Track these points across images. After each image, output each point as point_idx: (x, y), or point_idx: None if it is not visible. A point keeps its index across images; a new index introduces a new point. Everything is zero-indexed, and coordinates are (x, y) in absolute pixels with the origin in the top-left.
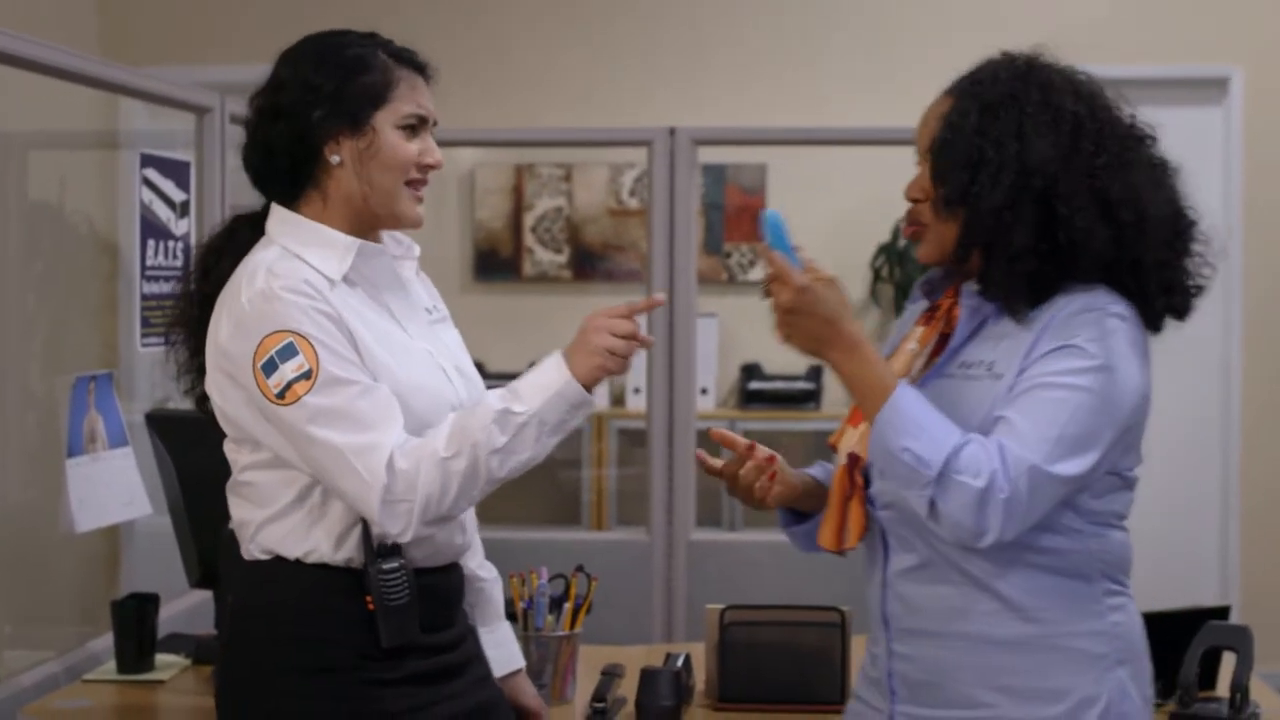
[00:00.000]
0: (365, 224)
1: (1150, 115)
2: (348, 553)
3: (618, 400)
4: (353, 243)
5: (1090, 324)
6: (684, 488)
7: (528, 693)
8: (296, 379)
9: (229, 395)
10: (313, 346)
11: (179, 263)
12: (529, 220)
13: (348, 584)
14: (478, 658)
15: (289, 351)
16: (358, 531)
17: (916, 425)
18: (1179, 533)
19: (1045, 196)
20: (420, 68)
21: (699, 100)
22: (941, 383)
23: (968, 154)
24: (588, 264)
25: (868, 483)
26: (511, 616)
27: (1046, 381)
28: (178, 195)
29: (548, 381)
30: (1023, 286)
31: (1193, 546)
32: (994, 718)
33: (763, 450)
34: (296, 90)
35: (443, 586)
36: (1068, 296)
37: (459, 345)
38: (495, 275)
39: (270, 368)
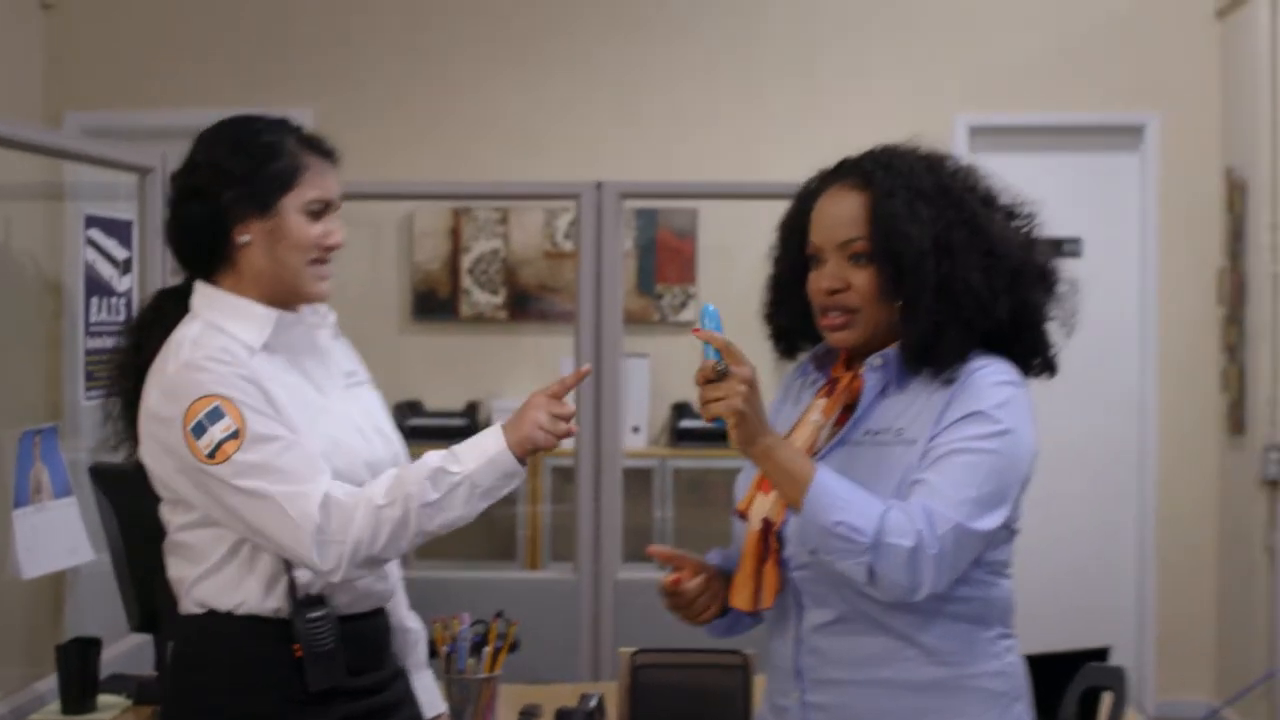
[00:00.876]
0: (279, 297)
1: (1071, 161)
2: (276, 602)
3: None
4: (271, 313)
5: (993, 392)
6: (610, 526)
7: None
8: (226, 439)
9: (162, 461)
10: (238, 408)
11: (121, 318)
12: (466, 262)
13: (276, 633)
14: (407, 699)
15: (216, 414)
16: (284, 582)
17: (844, 500)
18: (1096, 570)
19: (964, 273)
20: (327, 153)
21: (633, 151)
22: (851, 450)
23: (914, 242)
24: (523, 305)
25: (781, 545)
26: (434, 655)
27: (960, 447)
28: (120, 253)
29: (485, 447)
30: (955, 355)
31: (1109, 583)
32: None
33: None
34: (210, 173)
35: (368, 632)
36: (970, 364)
37: (378, 406)
38: (433, 315)
39: (200, 430)
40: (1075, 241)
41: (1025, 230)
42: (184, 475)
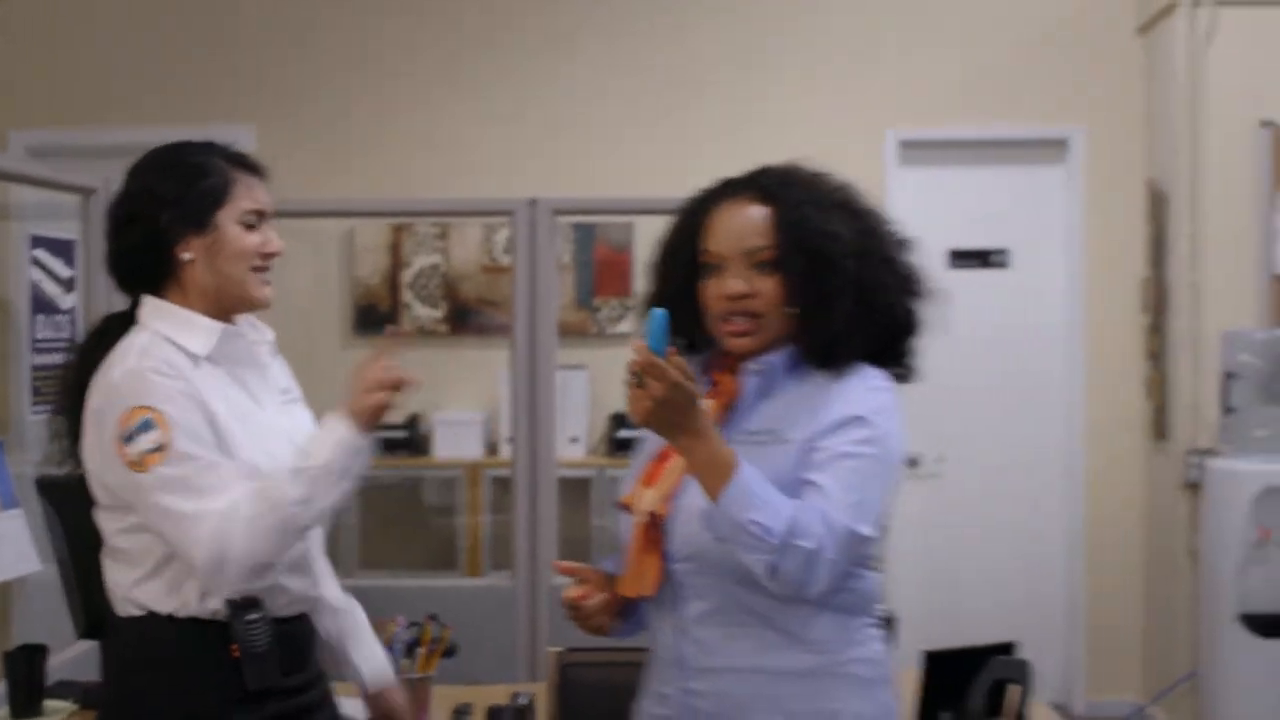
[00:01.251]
0: (222, 309)
1: (999, 174)
2: (213, 605)
3: (491, 449)
4: (216, 325)
5: (871, 398)
6: (546, 534)
7: (398, 703)
8: (150, 450)
9: (96, 459)
10: (168, 423)
11: (66, 335)
12: (406, 277)
13: (214, 635)
14: (328, 700)
15: (147, 425)
16: None
17: (760, 499)
18: (1025, 572)
19: (876, 276)
20: (254, 168)
21: (568, 166)
22: (733, 449)
23: (836, 246)
24: (463, 318)
25: (664, 538)
26: None
27: (845, 451)
28: (65, 272)
29: (329, 434)
30: (857, 356)
31: (1038, 585)
32: None
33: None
34: (146, 199)
35: (298, 634)
36: (850, 370)
37: (310, 424)
38: (375, 329)
39: (129, 438)
40: (1003, 253)
41: (900, 241)
42: (116, 477)
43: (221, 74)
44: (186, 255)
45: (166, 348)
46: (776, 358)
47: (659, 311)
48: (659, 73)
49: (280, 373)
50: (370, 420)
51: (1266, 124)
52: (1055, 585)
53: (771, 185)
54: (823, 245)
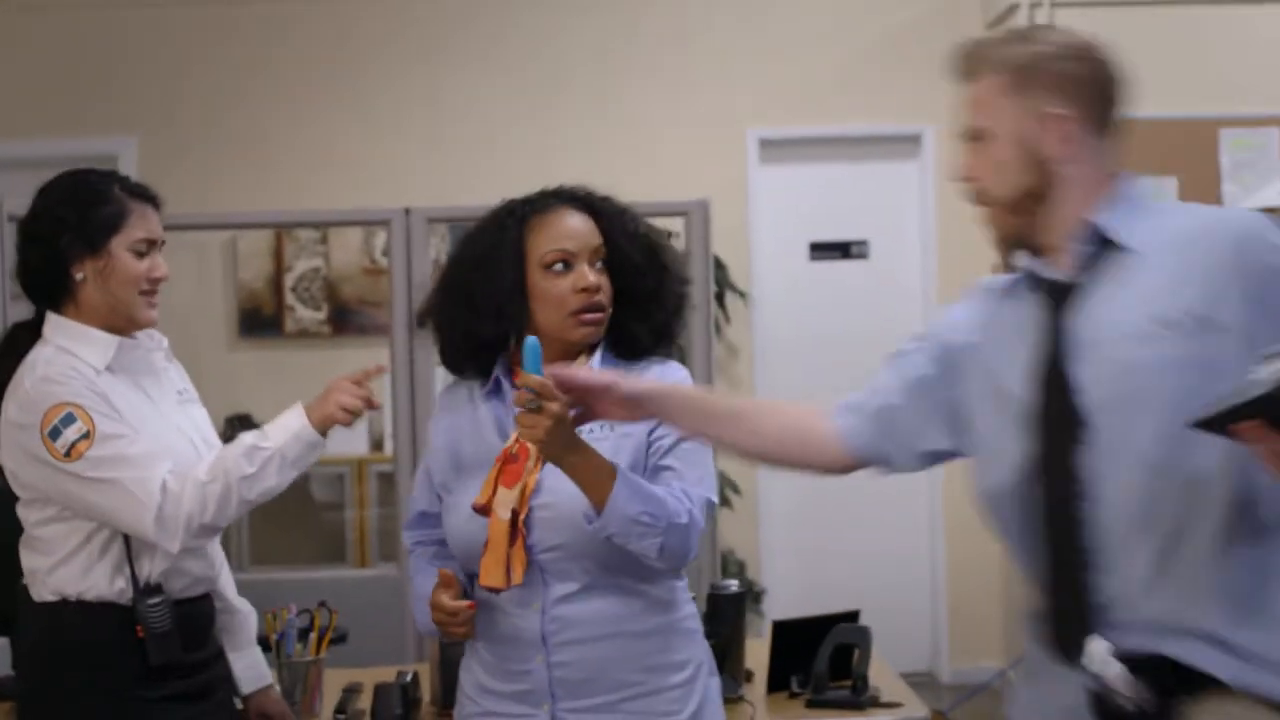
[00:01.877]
0: (115, 325)
1: (856, 169)
2: (119, 586)
3: (376, 445)
4: (113, 339)
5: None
6: None
7: (275, 705)
8: (78, 439)
9: (21, 462)
10: (88, 412)
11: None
12: (289, 280)
13: (120, 616)
14: (226, 678)
15: (69, 419)
16: (127, 571)
17: (641, 495)
18: (893, 547)
19: (671, 285)
20: (150, 198)
21: (441, 173)
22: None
23: (645, 257)
24: (345, 319)
25: (527, 532)
26: (265, 647)
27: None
28: None
29: (289, 424)
30: (645, 353)
31: (904, 560)
32: (643, 692)
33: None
34: (47, 220)
35: (197, 615)
36: (649, 365)
37: (205, 420)
38: (259, 332)
39: (55, 434)
40: (863, 244)
41: (676, 258)
42: (42, 475)
43: (104, 87)
44: (80, 275)
45: (69, 358)
46: (597, 358)
47: (533, 340)
48: (526, 81)
49: (177, 376)
50: (329, 423)
51: None
52: (919, 560)
53: (591, 199)
54: (635, 253)
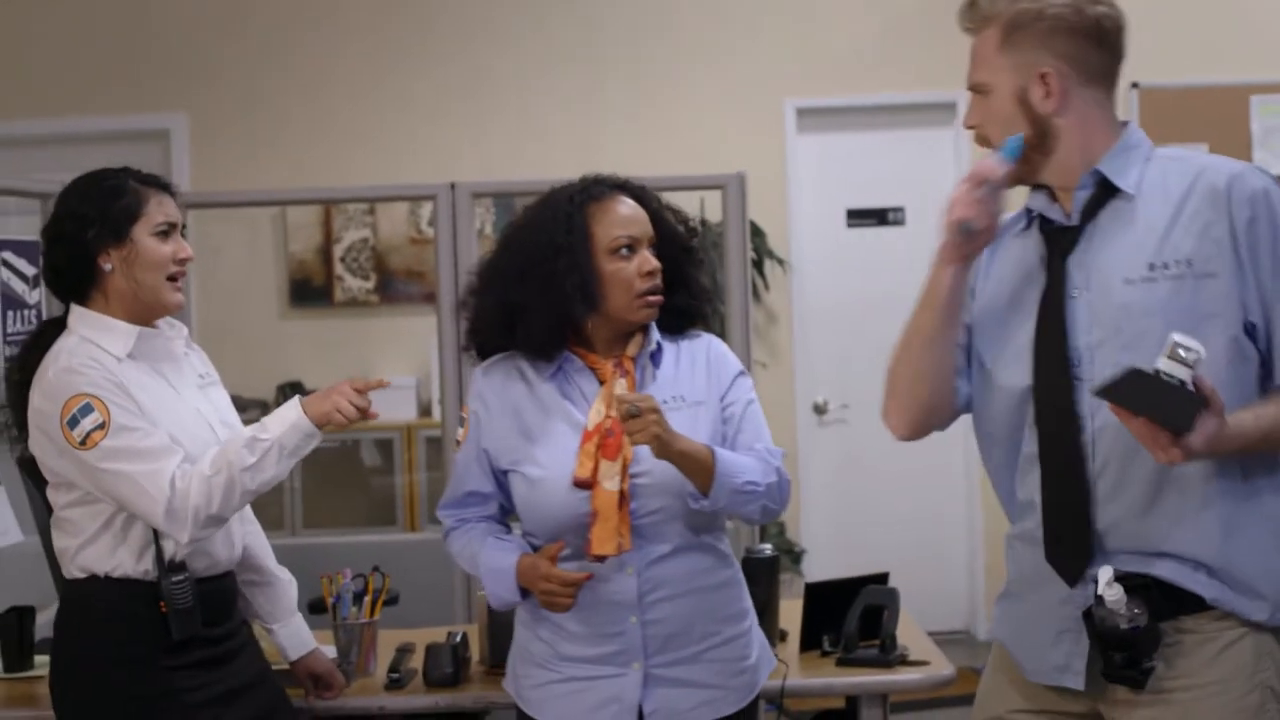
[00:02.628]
0: (141, 314)
1: (892, 137)
2: (145, 566)
3: (424, 411)
4: (133, 329)
5: (733, 357)
6: None
7: (321, 664)
8: (94, 429)
9: (46, 449)
10: (105, 404)
11: (33, 327)
12: (338, 251)
13: (146, 593)
14: (250, 644)
15: (87, 409)
16: (152, 550)
17: (739, 465)
18: (930, 509)
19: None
20: (164, 186)
21: (486, 148)
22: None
23: (685, 243)
24: (392, 289)
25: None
26: (324, 609)
27: (747, 400)
28: (29, 270)
29: (286, 416)
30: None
31: (941, 520)
32: (720, 641)
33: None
34: (70, 220)
35: (218, 591)
36: (702, 337)
37: (226, 403)
38: (309, 302)
39: (73, 423)
40: (899, 210)
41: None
42: (63, 459)
43: (155, 64)
44: (107, 266)
45: (91, 348)
46: (649, 345)
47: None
48: (566, 58)
49: (198, 361)
50: (323, 420)
51: (1135, 86)
52: (955, 520)
53: (636, 190)
54: (679, 240)
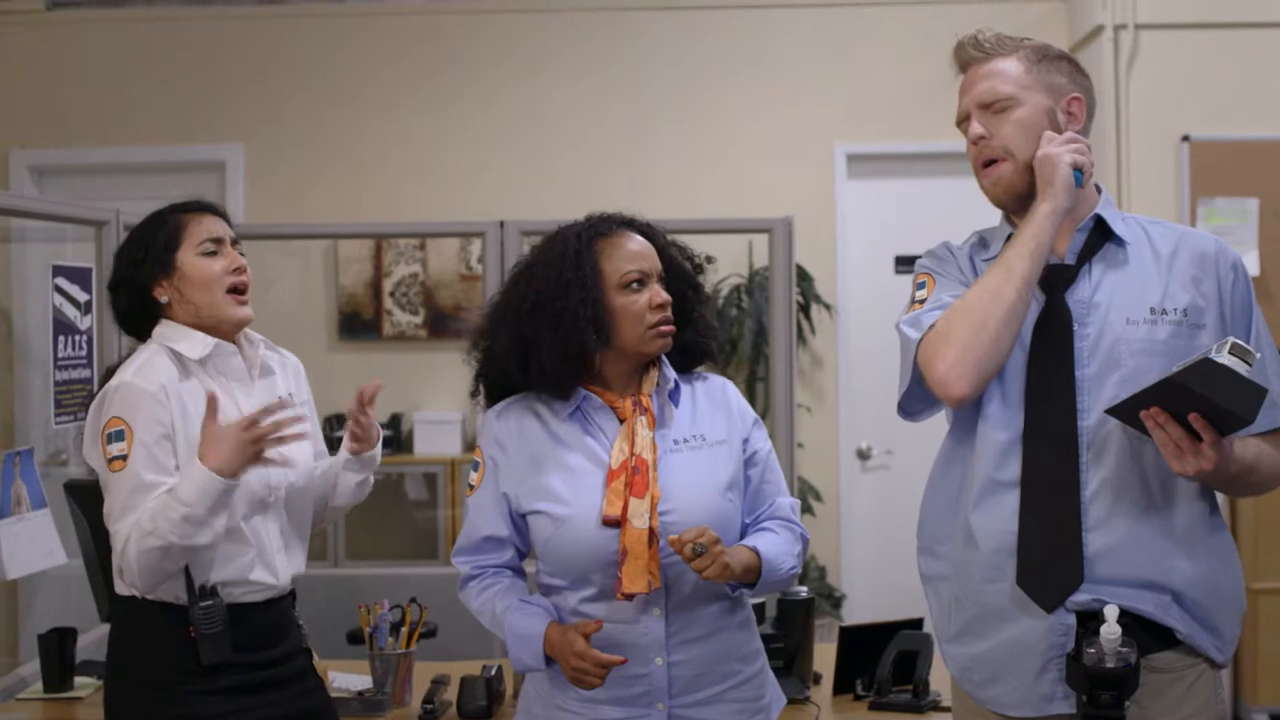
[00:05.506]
0: (210, 334)
1: (941, 184)
2: (176, 590)
3: (469, 446)
4: (210, 340)
5: (743, 399)
6: None
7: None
8: (116, 457)
9: (92, 454)
10: (134, 441)
11: (84, 353)
12: (388, 285)
13: (177, 616)
14: (305, 674)
15: (120, 435)
16: (184, 576)
17: (779, 557)
18: None
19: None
20: (204, 207)
21: (536, 187)
22: (676, 456)
23: (692, 281)
24: (441, 324)
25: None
26: (359, 640)
27: (768, 448)
28: (82, 296)
29: (194, 480)
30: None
31: None
32: (741, 680)
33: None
34: (123, 264)
35: (260, 618)
36: (714, 378)
37: (309, 427)
38: (358, 335)
39: (108, 439)
40: None
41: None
42: (98, 466)
43: (213, 96)
44: (164, 298)
45: (164, 360)
46: (670, 375)
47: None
48: (616, 100)
49: (282, 381)
50: (234, 465)
51: (1185, 139)
52: None
53: (643, 226)
54: (684, 276)
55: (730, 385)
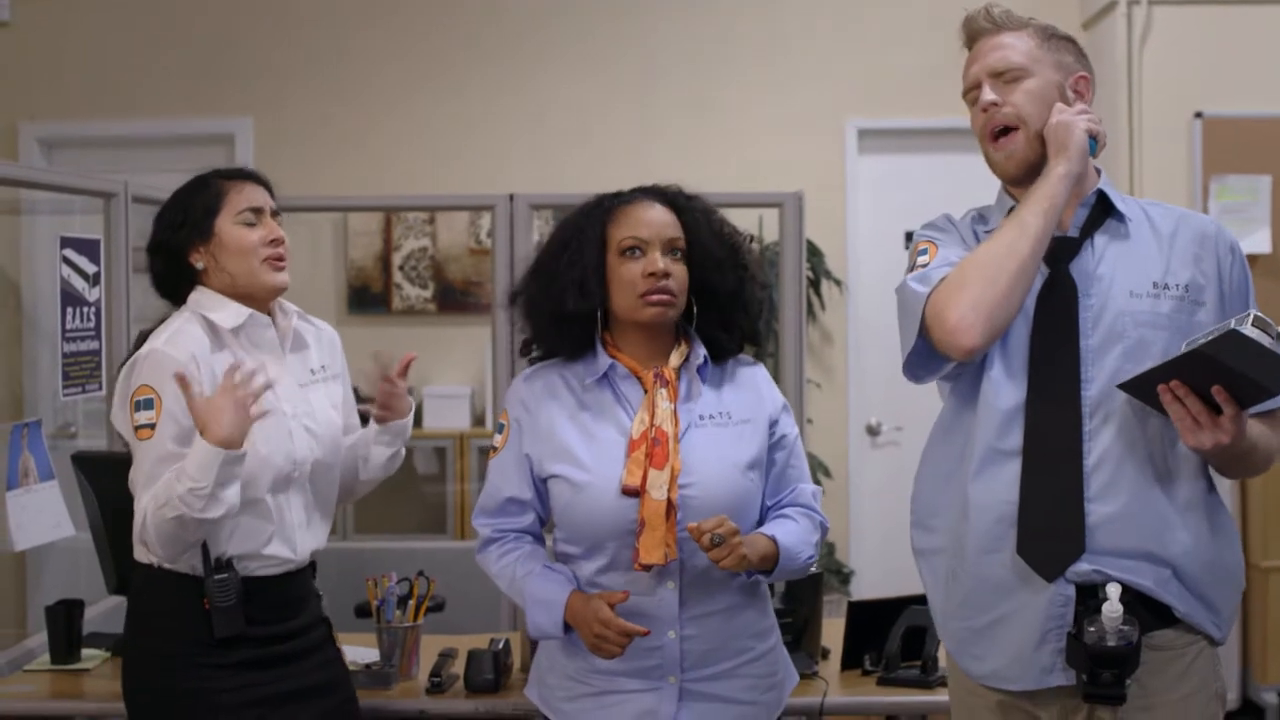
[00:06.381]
0: (245, 303)
1: (952, 160)
2: (193, 561)
3: (478, 420)
4: (245, 310)
5: (774, 386)
6: None
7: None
8: (142, 425)
9: (120, 419)
10: (162, 410)
11: (92, 324)
12: (397, 259)
13: (192, 587)
14: (322, 647)
15: (149, 404)
16: (200, 547)
17: (797, 546)
18: None
19: (750, 287)
20: (247, 175)
21: (543, 159)
22: (700, 431)
23: (723, 253)
24: (450, 298)
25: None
26: (367, 613)
27: (794, 434)
28: (90, 268)
29: (199, 459)
30: (737, 350)
31: None
32: (753, 656)
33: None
34: (162, 227)
35: (275, 592)
36: (747, 361)
37: (325, 404)
38: (367, 309)
39: (136, 406)
40: None
41: (756, 263)
42: (128, 435)
43: (223, 70)
44: (200, 264)
45: (196, 329)
46: (704, 352)
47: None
48: (625, 74)
49: (317, 353)
50: (233, 432)
51: (1198, 115)
52: None
53: (676, 195)
54: (724, 248)
55: (762, 369)
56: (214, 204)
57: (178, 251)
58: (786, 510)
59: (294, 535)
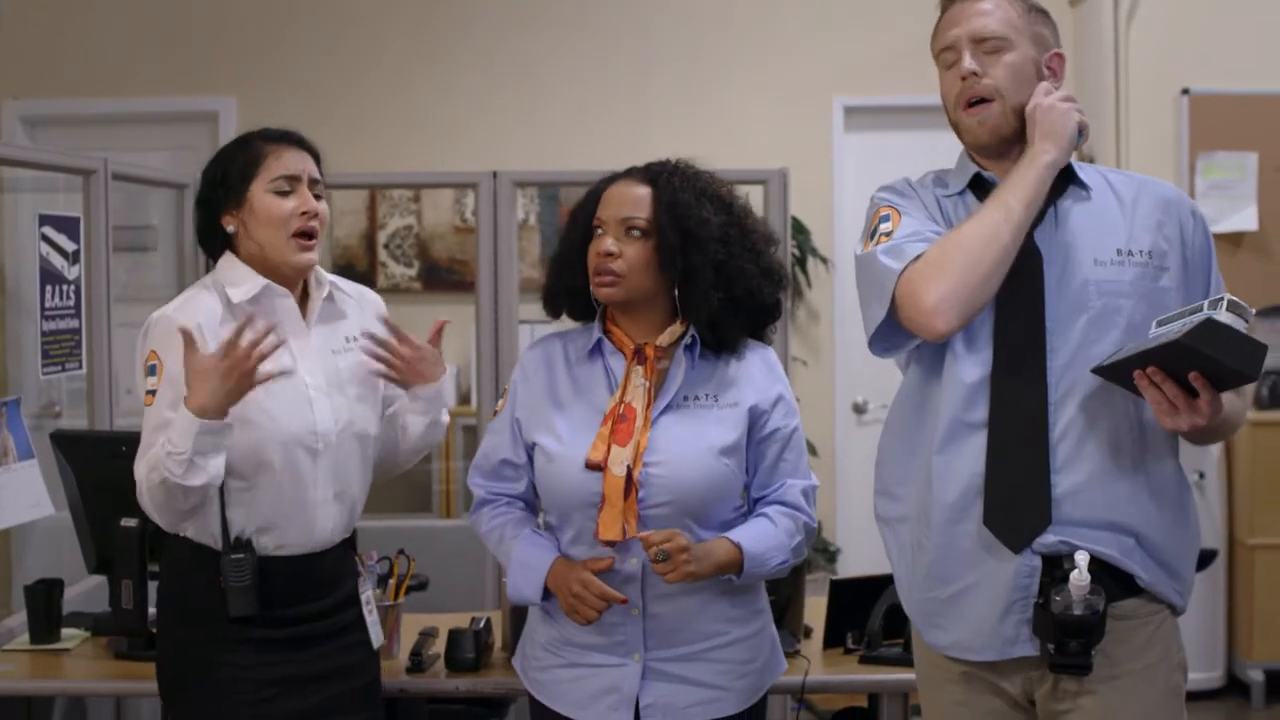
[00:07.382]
0: (272, 274)
1: (939, 137)
2: (212, 535)
3: (464, 399)
4: (261, 281)
5: (779, 374)
6: None
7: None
8: (148, 391)
9: (138, 383)
10: (164, 376)
11: (72, 303)
12: (382, 238)
13: (211, 563)
14: (348, 629)
15: (153, 371)
16: (219, 523)
17: (767, 552)
18: None
19: (739, 261)
20: (288, 138)
21: (531, 137)
22: (677, 412)
23: (703, 227)
24: (436, 276)
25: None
26: None
27: (793, 426)
28: (70, 246)
29: (183, 427)
30: (739, 334)
31: None
32: (725, 642)
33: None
34: (204, 184)
35: (295, 573)
36: (753, 346)
37: (348, 377)
38: None
39: (146, 371)
40: None
41: (766, 236)
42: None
43: (206, 48)
44: (231, 228)
45: (210, 297)
46: (685, 343)
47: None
48: (614, 50)
49: (358, 323)
50: (217, 402)
51: (1185, 92)
52: None
53: (656, 171)
54: (690, 224)
55: (768, 354)
56: (250, 168)
57: (213, 212)
58: (768, 509)
59: (314, 513)
